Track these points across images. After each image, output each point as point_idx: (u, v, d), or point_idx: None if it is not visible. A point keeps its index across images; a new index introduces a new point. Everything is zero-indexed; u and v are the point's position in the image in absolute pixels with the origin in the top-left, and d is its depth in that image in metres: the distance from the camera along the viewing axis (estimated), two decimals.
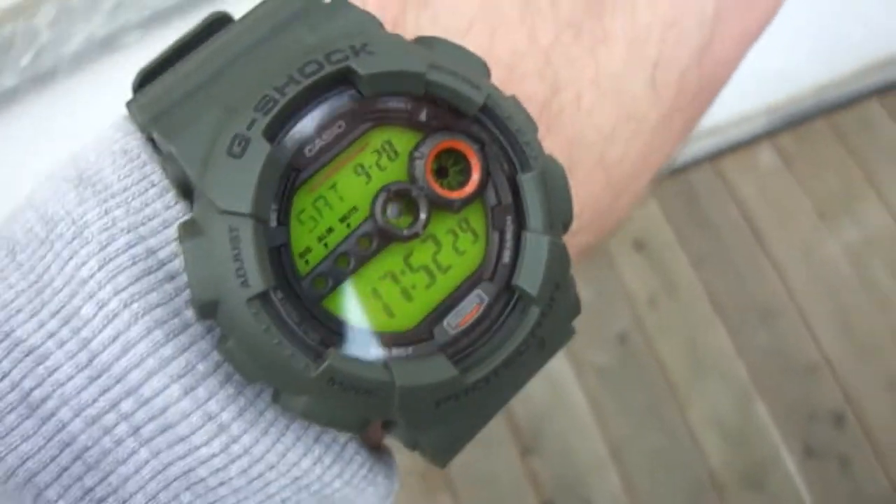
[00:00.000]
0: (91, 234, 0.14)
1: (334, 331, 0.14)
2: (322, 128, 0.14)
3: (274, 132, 0.14)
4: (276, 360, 0.13)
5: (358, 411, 0.14)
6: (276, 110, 0.13)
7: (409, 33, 0.16)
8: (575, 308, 0.16)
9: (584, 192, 0.18)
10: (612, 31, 0.18)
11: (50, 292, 0.14)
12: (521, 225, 0.15)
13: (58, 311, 0.14)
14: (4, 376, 0.13)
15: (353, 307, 0.14)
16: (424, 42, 0.15)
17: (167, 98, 0.14)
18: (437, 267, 0.15)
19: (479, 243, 0.15)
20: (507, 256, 0.15)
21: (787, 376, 0.93)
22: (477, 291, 0.15)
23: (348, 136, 0.14)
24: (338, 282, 0.14)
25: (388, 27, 0.16)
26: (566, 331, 0.16)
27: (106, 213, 0.14)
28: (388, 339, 0.14)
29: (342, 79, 0.14)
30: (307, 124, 0.14)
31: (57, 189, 0.15)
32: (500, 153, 0.15)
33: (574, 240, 0.18)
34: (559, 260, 0.15)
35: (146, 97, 0.15)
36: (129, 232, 0.14)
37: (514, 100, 0.15)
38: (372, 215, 0.14)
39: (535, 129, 0.15)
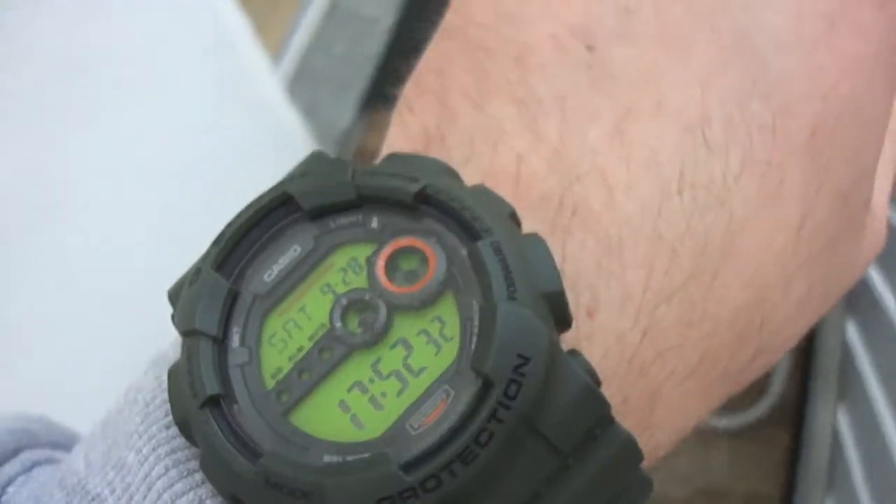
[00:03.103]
0: (142, 398, 0.16)
1: (301, 446, 0.14)
2: (277, 253, 0.15)
3: (229, 263, 0.15)
4: (221, 464, 0.14)
5: None
6: (223, 241, 0.15)
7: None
8: (583, 392, 0.13)
9: (643, 277, 0.15)
10: (634, 104, 0.16)
11: (116, 450, 0.16)
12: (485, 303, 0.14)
13: (116, 464, 0.16)
14: None
15: (317, 421, 0.14)
16: (385, 159, 0.16)
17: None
18: (409, 371, 0.14)
19: (454, 339, 0.14)
20: (473, 342, 0.14)
21: None
22: (445, 386, 0.14)
23: (310, 259, 0.15)
24: (302, 395, 0.14)
25: None
26: (581, 419, 0.13)
27: (156, 378, 0.16)
28: (348, 448, 0.14)
29: (287, 205, 0.15)
30: (268, 254, 0.15)
31: (144, 368, 0.18)
32: (458, 240, 0.14)
33: (644, 341, 0.15)
34: (521, 328, 0.13)
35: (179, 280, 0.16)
36: (167, 391, 0.16)
37: (479, 187, 0.15)
38: (331, 326, 0.14)
39: (504, 207, 0.15)
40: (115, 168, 0.61)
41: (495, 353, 0.13)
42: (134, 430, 0.16)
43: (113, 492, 0.16)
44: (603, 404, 0.14)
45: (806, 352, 0.83)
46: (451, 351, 0.14)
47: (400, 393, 0.14)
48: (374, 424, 0.14)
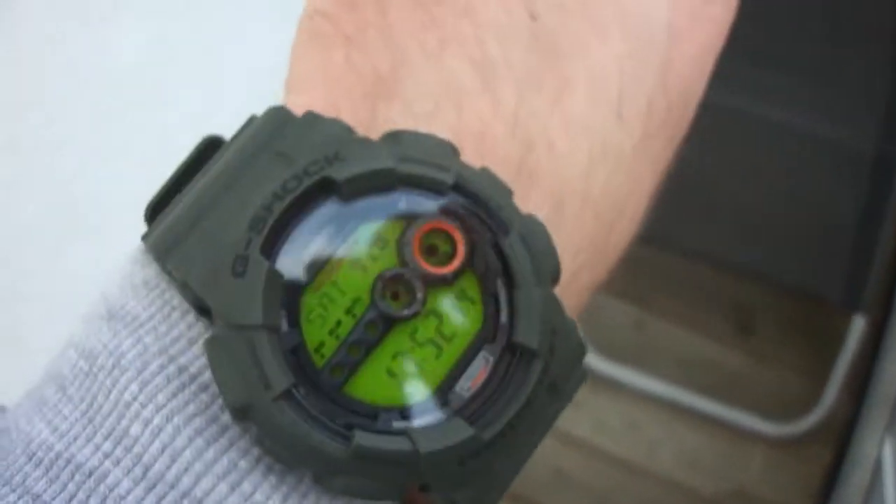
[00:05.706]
0: (128, 362, 0.16)
1: (359, 413, 0.15)
2: (313, 234, 0.16)
3: (269, 248, 0.16)
4: (309, 449, 0.15)
5: (391, 481, 0.15)
6: (267, 228, 0.16)
7: (382, 129, 0.17)
8: (579, 349, 0.17)
9: (577, 232, 0.18)
10: (571, 76, 0.18)
11: (100, 418, 0.16)
12: (511, 285, 0.16)
13: (110, 434, 0.15)
14: (72, 498, 0.15)
15: (371, 389, 0.16)
16: (391, 138, 0.17)
17: (174, 232, 0.16)
18: (442, 338, 0.16)
19: (476, 308, 0.16)
20: (504, 317, 0.16)
21: None
22: (482, 354, 0.16)
23: (339, 236, 0.16)
24: (353, 369, 0.15)
25: (363, 128, 0.18)
26: (577, 373, 0.17)
27: (138, 341, 0.16)
28: (408, 411, 0.16)
29: (323, 187, 0.16)
30: (299, 234, 0.16)
31: (92, 326, 0.17)
32: (480, 224, 0.16)
33: (578, 281, 0.18)
34: (553, 310, 0.16)
35: (156, 232, 0.17)
36: (160, 354, 0.16)
37: (485, 171, 0.17)
38: (373, 302, 0.16)
39: (508, 193, 0.17)
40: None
41: (541, 331, 0.16)
42: (132, 400, 0.16)
43: (117, 463, 0.15)
44: (582, 349, 0.17)
45: (863, 376, 0.83)
46: (475, 320, 0.16)
47: (437, 357, 0.16)
48: (421, 388, 0.16)
